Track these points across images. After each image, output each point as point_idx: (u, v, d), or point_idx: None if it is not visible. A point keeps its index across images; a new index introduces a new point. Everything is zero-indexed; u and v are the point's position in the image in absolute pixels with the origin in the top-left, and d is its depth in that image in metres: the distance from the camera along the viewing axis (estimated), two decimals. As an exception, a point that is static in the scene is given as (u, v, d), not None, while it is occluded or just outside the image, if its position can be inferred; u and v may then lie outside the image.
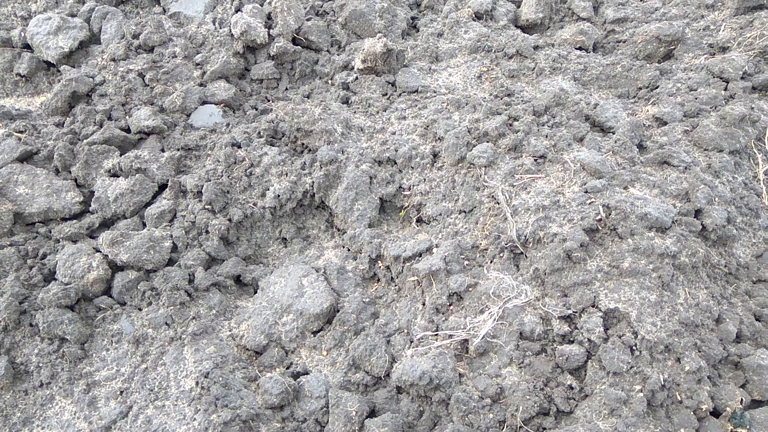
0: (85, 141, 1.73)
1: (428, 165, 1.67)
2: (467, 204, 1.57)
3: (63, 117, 1.85)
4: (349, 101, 1.96)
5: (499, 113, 1.74)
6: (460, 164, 1.64)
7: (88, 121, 1.80)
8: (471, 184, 1.60)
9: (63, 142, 1.71)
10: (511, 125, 1.70)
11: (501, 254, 1.48)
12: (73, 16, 2.13)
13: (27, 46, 2.09)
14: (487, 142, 1.65)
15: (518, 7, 2.41)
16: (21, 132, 1.77)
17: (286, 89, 2.12)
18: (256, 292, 1.58)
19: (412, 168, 1.68)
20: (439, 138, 1.71)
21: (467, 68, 2.04)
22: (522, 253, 1.48)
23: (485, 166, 1.60)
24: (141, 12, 2.17)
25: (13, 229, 1.57)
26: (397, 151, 1.69)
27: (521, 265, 1.47)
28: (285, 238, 1.70)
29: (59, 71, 2.05)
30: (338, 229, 1.71)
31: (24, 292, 1.41)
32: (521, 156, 1.61)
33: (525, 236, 1.45)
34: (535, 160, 1.59)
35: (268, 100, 2.08)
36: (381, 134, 1.76)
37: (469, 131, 1.69)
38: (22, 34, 2.07)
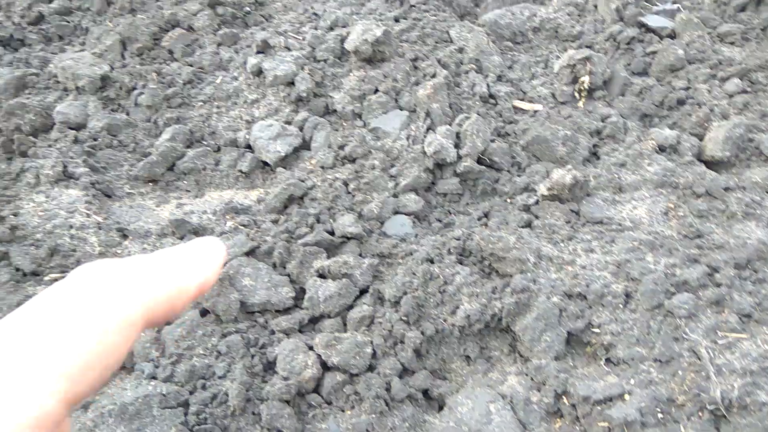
0: (299, 241, 1.97)
1: (620, 305, 1.70)
2: (664, 354, 1.57)
3: (278, 215, 2.12)
4: (532, 225, 2.05)
5: (697, 261, 1.75)
6: (657, 310, 1.65)
7: (301, 222, 2.05)
8: (669, 334, 1.60)
9: (282, 241, 1.96)
10: (711, 276, 1.70)
11: (701, 414, 1.46)
12: (288, 123, 2.46)
13: (248, 147, 2.43)
14: (687, 291, 1.66)
15: (701, 140, 2.42)
16: (246, 226, 2.05)
17: (467, 204, 2.27)
18: (440, 408, 1.66)
19: (603, 306, 1.72)
20: (632, 278, 1.74)
21: (652, 203, 2.07)
22: (724, 416, 1.44)
23: (686, 318, 1.60)
24: (345, 124, 2.46)
25: (238, 317, 1.80)
26: (588, 286, 1.74)
27: (722, 429, 1.43)
28: (468, 356, 1.78)
29: (273, 170, 2.36)
30: (521, 355, 1.76)
31: (249, 381, 1.60)
32: (724, 311, 1.59)
33: (729, 400, 1.42)
34: (740, 318, 1.57)
35: (451, 213, 2.24)
36: (570, 266, 1.82)
37: (665, 276, 1.71)
38: (247, 136, 2.42)
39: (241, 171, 2.38)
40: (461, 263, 1.91)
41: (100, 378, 0.30)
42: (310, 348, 1.69)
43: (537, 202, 2.11)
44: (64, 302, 0.29)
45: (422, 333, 1.75)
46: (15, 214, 1.90)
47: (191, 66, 2.60)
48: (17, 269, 1.87)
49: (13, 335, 0.27)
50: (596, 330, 1.69)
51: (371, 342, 1.72)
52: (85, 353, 0.28)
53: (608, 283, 1.74)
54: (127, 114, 2.44)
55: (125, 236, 1.95)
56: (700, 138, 2.39)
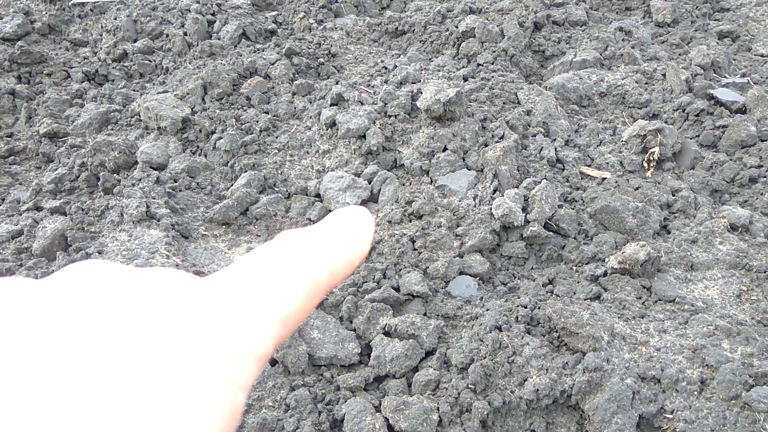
0: (366, 296, 2.00)
1: (695, 392, 1.66)
2: (742, 449, 1.53)
3: (346, 268, 2.16)
4: (601, 297, 2.04)
5: (776, 353, 1.71)
6: (734, 401, 1.61)
7: (368, 276, 2.08)
8: (746, 427, 1.56)
9: (350, 295, 1.99)
10: (793, 371, 1.65)
11: None
12: (357, 175, 2.52)
13: (318, 196, 2.50)
14: (765, 385, 1.61)
15: (774, 220, 2.38)
16: (315, 278, 2.09)
17: (532, 269, 2.28)
18: (505, 483, 1.64)
19: (677, 391, 1.68)
20: (708, 365, 1.70)
21: (725, 284, 2.03)
22: None
23: (765, 412, 1.56)
24: (412, 179, 2.51)
25: (305, 370, 1.83)
26: (663, 370, 1.71)
27: None
28: (534, 431, 1.76)
29: (340, 221, 2.41)
30: (589, 434, 1.73)
31: (318, 439, 1.61)
32: (809, 411, 1.54)
33: (817, 508, 1.37)
34: (827, 420, 1.52)
35: (515, 277, 2.24)
36: (644, 347, 1.80)
37: (743, 365, 1.67)
38: (317, 185, 2.49)
39: (309, 219, 2.44)
40: (530, 333, 1.91)
41: (293, 331, 0.33)
42: (377, 410, 1.70)
43: (605, 274, 2.10)
44: (278, 257, 0.31)
45: (489, 403, 1.74)
46: (100, 252, 1.99)
47: (267, 113, 2.71)
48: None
49: (245, 279, 0.30)
50: (669, 416, 1.66)
51: (437, 408, 1.72)
52: (298, 306, 0.31)
53: (683, 368, 1.71)
54: (205, 157, 2.54)
55: (201, 280, 2.02)
56: (773, 217, 2.35)
